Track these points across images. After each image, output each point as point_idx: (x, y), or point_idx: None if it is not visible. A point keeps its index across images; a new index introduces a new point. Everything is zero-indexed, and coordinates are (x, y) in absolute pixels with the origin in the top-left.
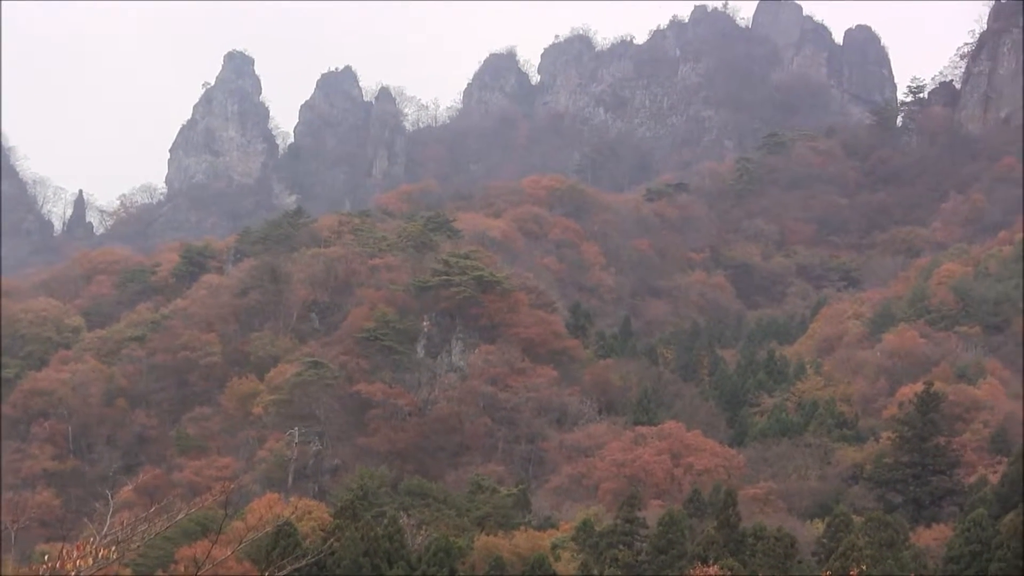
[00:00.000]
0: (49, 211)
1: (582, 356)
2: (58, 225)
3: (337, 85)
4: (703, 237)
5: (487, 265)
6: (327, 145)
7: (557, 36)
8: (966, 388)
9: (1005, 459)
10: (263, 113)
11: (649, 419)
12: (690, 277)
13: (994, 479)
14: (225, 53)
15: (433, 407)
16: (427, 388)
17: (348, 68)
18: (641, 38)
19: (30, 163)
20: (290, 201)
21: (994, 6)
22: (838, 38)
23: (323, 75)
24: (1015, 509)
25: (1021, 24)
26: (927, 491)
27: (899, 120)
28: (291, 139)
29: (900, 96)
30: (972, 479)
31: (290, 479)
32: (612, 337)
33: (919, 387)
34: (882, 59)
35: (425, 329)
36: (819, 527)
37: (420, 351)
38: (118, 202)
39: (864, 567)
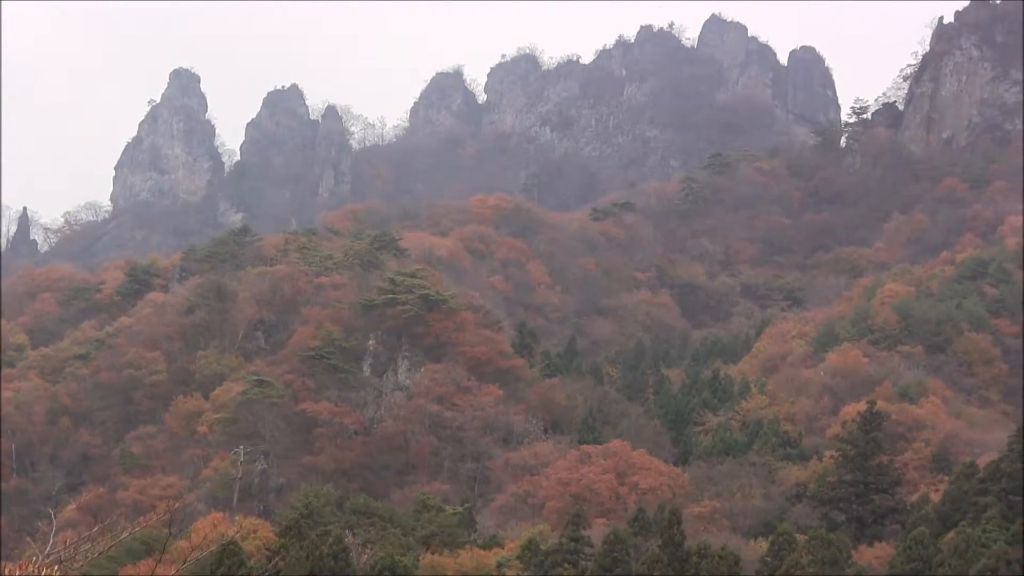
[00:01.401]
0: None
1: (528, 375)
2: (2, 243)
3: (283, 103)
4: (649, 256)
5: (433, 284)
6: (273, 163)
7: (504, 55)
8: (908, 407)
9: (946, 478)
10: (209, 131)
11: (594, 438)
12: (635, 296)
13: (935, 497)
14: (171, 70)
15: (379, 426)
16: (373, 407)
17: (294, 86)
18: (587, 58)
19: None
20: (236, 219)
21: (936, 28)
22: (783, 59)
23: (269, 93)
24: (956, 527)
25: (964, 46)
26: (870, 509)
27: (843, 141)
28: (237, 157)
29: (844, 117)
30: (914, 498)
31: (235, 498)
32: (558, 356)
33: (862, 406)
34: (826, 80)
35: (371, 348)
36: (763, 545)
37: (366, 370)
38: (62, 220)
39: None
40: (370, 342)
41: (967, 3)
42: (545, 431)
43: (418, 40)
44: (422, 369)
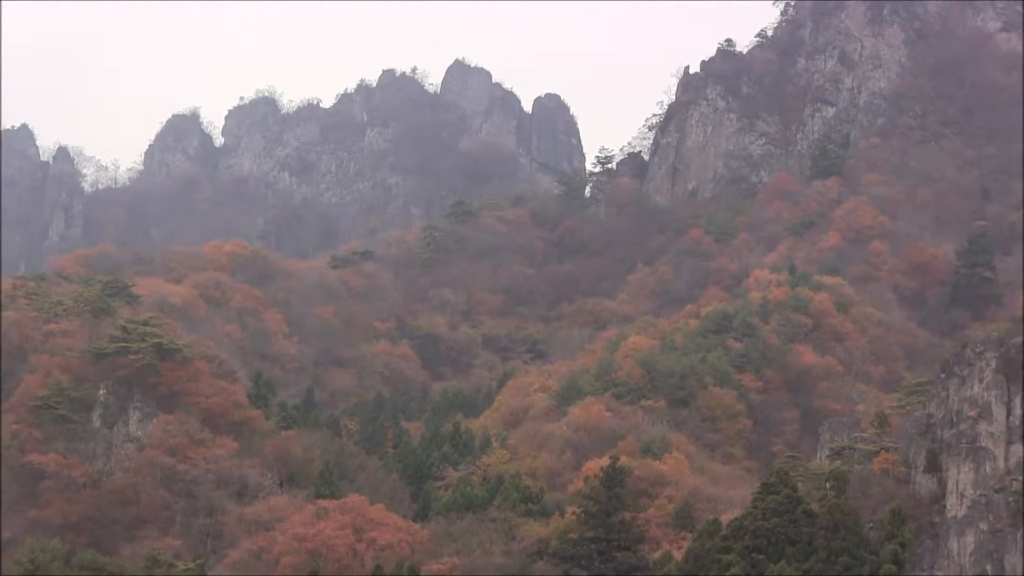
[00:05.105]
0: None
1: (263, 427)
2: None
3: (13, 144)
4: (389, 306)
5: (167, 332)
6: (1, 206)
7: (242, 98)
8: (651, 463)
9: (689, 534)
10: None
11: (331, 492)
12: (375, 347)
13: (678, 555)
14: None
15: (109, 478)
16: (103, 459)
17: (24, 126)
18: (328, 102)
19: None
20: None
21: (682, 78)
22: (527, 106)
23: None
24: None
25: (709, 97)
26: (612, 567)
27: (588, 190)
28: None
29: (589, 166)
30: (657, 555)
31: None
32: (295, 408)
33: (605, 461)
34: (571, 128)
35: (101, 397)
36: None
37: (96, 420)
38: None
39: None
40: (100, 392)
41: (712, 54)
42: (281, 485)
43: (155, 81)
44: (155, 420)
